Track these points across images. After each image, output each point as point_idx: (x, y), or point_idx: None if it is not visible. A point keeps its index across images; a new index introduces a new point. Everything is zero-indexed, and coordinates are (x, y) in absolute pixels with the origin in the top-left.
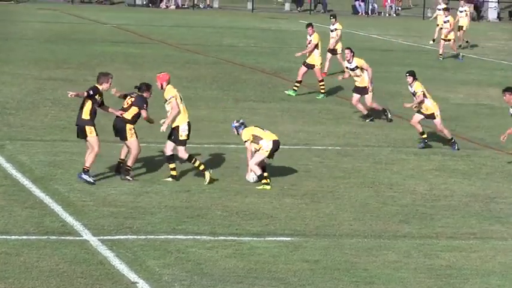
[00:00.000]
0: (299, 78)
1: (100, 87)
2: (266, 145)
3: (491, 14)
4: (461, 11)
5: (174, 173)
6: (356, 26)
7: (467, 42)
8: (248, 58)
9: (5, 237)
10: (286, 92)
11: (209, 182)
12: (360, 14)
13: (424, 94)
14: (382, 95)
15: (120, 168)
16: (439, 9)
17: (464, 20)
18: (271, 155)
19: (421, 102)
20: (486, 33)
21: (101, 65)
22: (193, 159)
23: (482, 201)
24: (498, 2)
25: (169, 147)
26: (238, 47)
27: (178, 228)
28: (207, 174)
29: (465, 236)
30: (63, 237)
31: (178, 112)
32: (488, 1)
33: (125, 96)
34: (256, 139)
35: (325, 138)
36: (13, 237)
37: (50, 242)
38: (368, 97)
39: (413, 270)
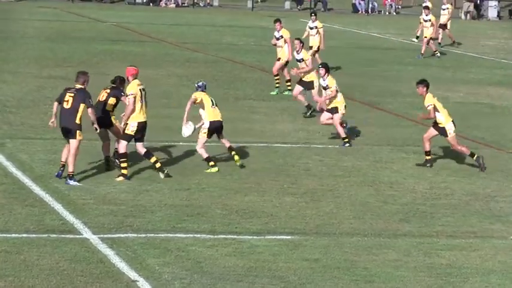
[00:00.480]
0: (275, 73)
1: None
2: (205, 124)
3: (491, 12)
4: (443, 9)
5: (158, 165)
6: (356, 25)
7: (454, 42)
8: (248, 56)
9: (5, 235)
10: (271, 92)
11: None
12: (360, 12)
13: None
14: (384, 94)
15: (109, 164)
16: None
17: (444, 18)
18: (209, 135)
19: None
20: (486, 32)
21: (101, 63)
22: (124, 161)
23: (482, 200)
24: (498, 1)
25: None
26: (238, 45)
27: (178, 227)
28: (121, 178)
29: (465, 234)
30: (63, 236)
31: (133, 110)
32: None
33: None
34: (201, 111)
35: (325, 137)
36: (13, 235)
37: (50, 240)
38: (314, 92)
39: (413, 269)
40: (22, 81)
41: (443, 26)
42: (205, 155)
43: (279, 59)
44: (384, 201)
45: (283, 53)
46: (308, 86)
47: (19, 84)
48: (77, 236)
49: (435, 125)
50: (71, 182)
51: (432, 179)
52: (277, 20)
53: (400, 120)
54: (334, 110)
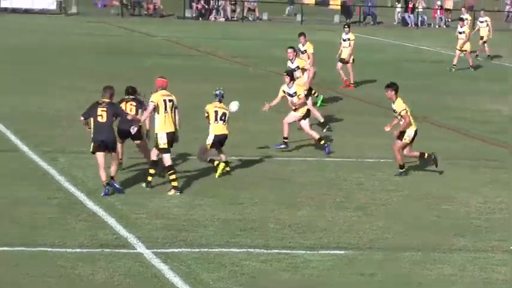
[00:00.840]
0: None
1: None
2: (209, 138)
3: None
4: (481, 22)
5: (150, 178)
6: (405, 38)
7: (476, 55)
8: None
9: (59, 250)
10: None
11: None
12: (410, 25)
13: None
14: (432, 107)
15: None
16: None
17: (484, 31)
18: (212, 147)
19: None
20: None
21: (151, 77)
22: (172, 173)
23: None
24: None
25: (153, 153)
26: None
27: (231, 241)
28: (173, 192)
29: None
30: (117, 250)
31: (152, 117)
32: None
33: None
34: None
35: (377, 151)
36: (68, 250)
37: (104, 254)
38: (308, 101)
39: (468, 284)
40: (74, 96)
41: (481, 38)
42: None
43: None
44: (437, 215)
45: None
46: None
47: (71, 98)
48: (131, 251)
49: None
50: (116, 184)
51: (486, 193)
52: (302, 34)
53: (449, 133)
54: (305, 116)
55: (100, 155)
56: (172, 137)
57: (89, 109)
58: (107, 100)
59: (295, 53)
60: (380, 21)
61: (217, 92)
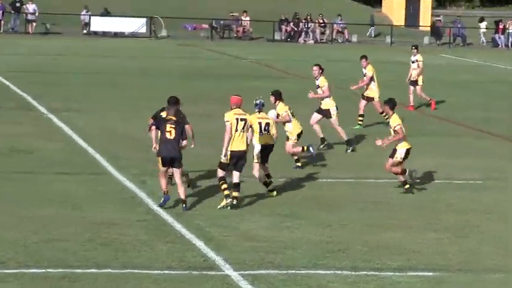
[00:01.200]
0: (361, 112)
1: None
2: (255, 149)
3: None
4: None
5: (226, 192)
6: (495, 59)
7: None
8: (387, 92)
9: (147, 271)
10: (352, 127)
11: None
12: (500, 46)
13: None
14: None
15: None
16: None
17: None
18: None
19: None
20: None
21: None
22: (223, 183)
23: None
24: None
25: (235, 175)
26: (393, 80)
27: (319, 263)
28: (223, 203)
29: None
30: (205, 272)
31: (230, 136)
32: None
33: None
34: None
35: (466, 172)
36: (155, 271)
37: (192, 276)
38: (333, 120)
39: None
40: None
41: None
42: (257, 176)
43: (373, 99)
44: None
45: (370, 89)
46: (326, 114)
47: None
48: (218, 273)
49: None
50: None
51: None
52: (364, 57)
53: None
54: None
55: (163, 170)
56: (238, 156)
57: (158, 122)
58: (174, 118)
59: (320, 71)
60: (470, 42)
61: (258, 102)
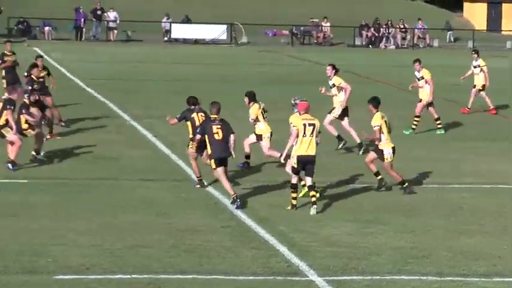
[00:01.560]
0: (435, 116)
1: None
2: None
3: None
4: None
5: (294, 202)
6: None
7: None
8: (467, 97)
9: (232, 277)
10: (404, 131)
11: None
12: None
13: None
14: None
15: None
16: None
17: None
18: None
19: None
20: None
21: (321, 106)
22: (293, 191)
23: None
24: None
25: (294, 178)
26: (460, 85)
27: (403, 269)
28: (288, 208)
29: None
30: (289, 278)
31: (295, 141)
32: None
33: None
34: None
35: None
36: (240, 277)
37: (277, 282)
38: (345, 122)
39: None
40: (238, 125)
41: None
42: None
43: (420, 100)
44: None
45: (424, 93)
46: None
47: (237, 128)
48: (303, 279)
49: (376, 147)
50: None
51: None
52: (417, 60)
53: None
54: (259, 137)
55: (221, 169)
56: (305, 161)
57: (203, 127)
58: (218, 117)
59: (333, 71)
60: None
61: (298, 101)
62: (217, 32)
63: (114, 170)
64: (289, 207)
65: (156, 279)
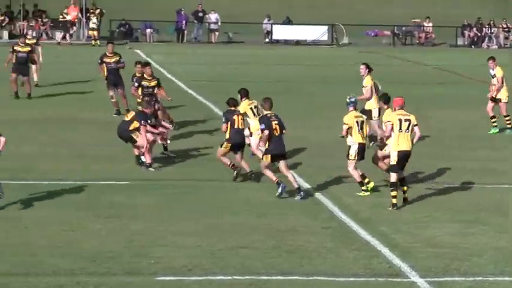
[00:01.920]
0: (491, 114)
1: None
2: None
3: None
4: None
5: (394, 201)
6: None
7: None
8: None
9: (333, 278)
10: (489, 132)
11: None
12: None
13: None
14: None
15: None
16: None
17: None
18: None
19: None
20: None
21: (421, 106)
22: (392, 190)
23: None
24: None
25: (393, 176)
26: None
27: (506, 270)
28: (390, 209)
29: None
30: (391, 279)
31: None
32: None
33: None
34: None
35: None
36: (341, 279)
37: (378, 283)
38: (374, 122)
39: None
40: (333, 127)
41: None
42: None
43: (500, 100)
44: None
45: (503, 93)
46: (368, 114)
47: (330, 129)
48: (404, 280)
49: (384, 145)
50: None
51: None
52: (491, 58)
53: None
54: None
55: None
56: (404, 156)
57: (265, 122)
58: (273, 112)
59: (366, 70)
60: None
61: (353, 99)
62: (319, 33)
63: (218, 171)
64: (390, 208)
65: (257, 280)
